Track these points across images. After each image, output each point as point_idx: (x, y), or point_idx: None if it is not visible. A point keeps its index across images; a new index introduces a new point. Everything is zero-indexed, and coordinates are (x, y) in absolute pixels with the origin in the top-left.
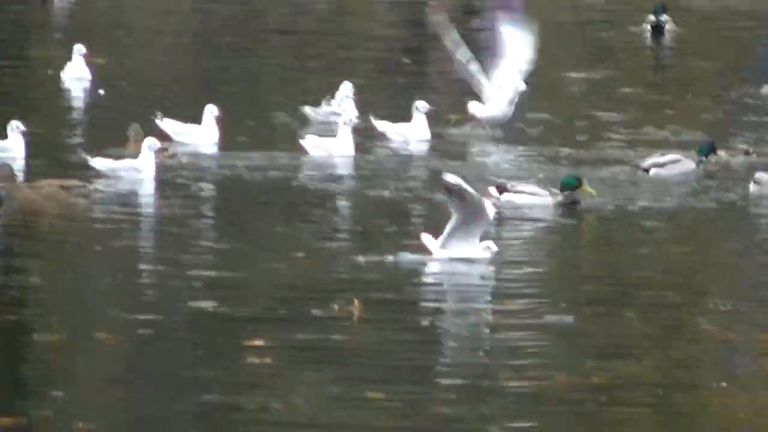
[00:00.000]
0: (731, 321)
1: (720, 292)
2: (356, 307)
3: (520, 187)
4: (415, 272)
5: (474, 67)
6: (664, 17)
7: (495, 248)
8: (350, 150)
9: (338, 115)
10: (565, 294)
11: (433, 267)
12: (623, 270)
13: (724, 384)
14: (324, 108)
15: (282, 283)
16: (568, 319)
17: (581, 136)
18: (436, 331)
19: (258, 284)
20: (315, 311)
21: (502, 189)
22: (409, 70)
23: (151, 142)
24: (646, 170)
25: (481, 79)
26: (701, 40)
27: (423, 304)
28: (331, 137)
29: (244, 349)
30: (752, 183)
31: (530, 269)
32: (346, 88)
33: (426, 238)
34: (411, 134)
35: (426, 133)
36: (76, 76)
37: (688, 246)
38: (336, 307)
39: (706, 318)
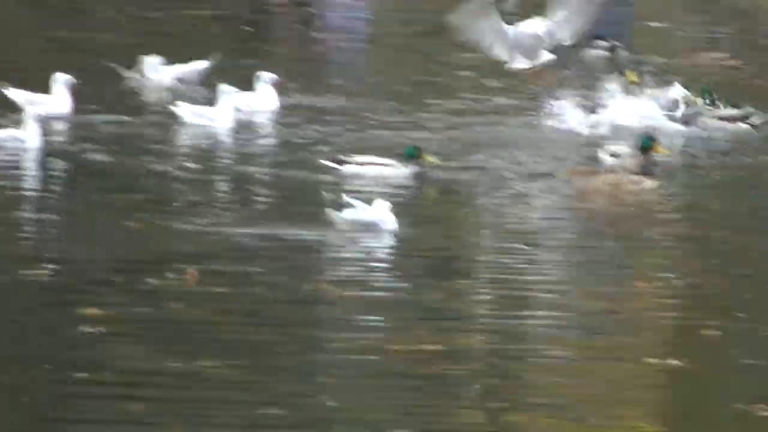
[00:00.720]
0: (563, 288)
1: (555, 261)
2: (191, 277)
3: (362, 158)
4: (252, 245)
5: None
6: None
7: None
8: (229, 120)
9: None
10: (400, 264)
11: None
12: (459, 241)
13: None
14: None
15: (118, 252)
16: (400, 286)
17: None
18: (273, 304)
19: (93, 253)
20: (150, 280)
21: (337, 161)
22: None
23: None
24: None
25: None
26: None
27: (259, 278)
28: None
29: (78, 319)
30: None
31: (370, 242)
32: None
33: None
34: (257, 104)
35: (274, 103)
36: None
37: (529, 214)
38: (171, 276)
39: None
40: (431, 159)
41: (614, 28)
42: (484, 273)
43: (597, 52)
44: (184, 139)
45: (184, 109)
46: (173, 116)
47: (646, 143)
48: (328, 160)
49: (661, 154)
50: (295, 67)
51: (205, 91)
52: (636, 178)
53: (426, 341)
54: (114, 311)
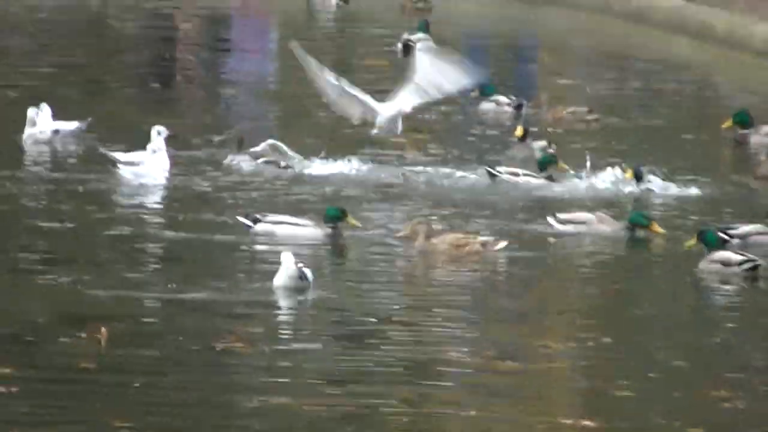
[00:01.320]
0: (475, 349)
1: (468, 320)
2: (103, 335)
3: (277, 217)
4: (158, 305)
5: (348, 85)
6: (417, 35)
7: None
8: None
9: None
10: (309, 323)
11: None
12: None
13: None
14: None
15: (29, 308)
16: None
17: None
18: (180, 364)
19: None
20: (62, 339)
21: (253, 218)
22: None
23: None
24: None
25: (365, 97)
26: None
27: (167, 337)
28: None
29: None
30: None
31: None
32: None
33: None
34: (149, 160)
35: (165, 162)
36: None
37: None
38: (84, 335)
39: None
40: (353, 221)
41: (522, 82)
42: (396, 335)
43: (495, 106)
44: (82, 193)
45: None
46: (58, 169)
47: (640, 220)
48: (242, 216)
49: (656, 233)
50: (201, 119)
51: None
52: (482, 239)
53: (336, 403)
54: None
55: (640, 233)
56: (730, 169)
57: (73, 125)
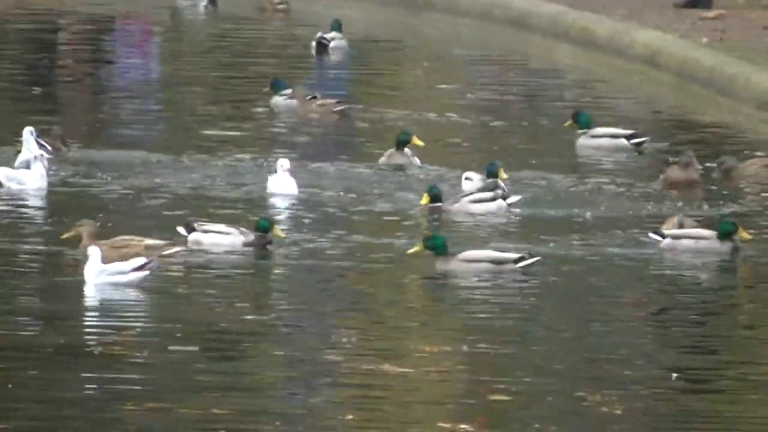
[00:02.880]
0: (355, 353)
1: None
2: None
3: (209, 226)
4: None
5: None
6: (331, 34)
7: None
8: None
9: None
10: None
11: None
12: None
13: None
14: None
15: None
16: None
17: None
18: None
19: None
20: None
21: (190, 227)
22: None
23: None
24: None
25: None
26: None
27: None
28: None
29: None
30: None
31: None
32: None
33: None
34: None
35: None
36: None
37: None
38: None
39: None
40: (279, 233)
41: (335, 83)
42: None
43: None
44: None
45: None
46: None
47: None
48: (182, 226)
49: (743, 238)
50: (87, 124)
51: None
52: (148, 243)
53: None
54: None
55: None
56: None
57: None
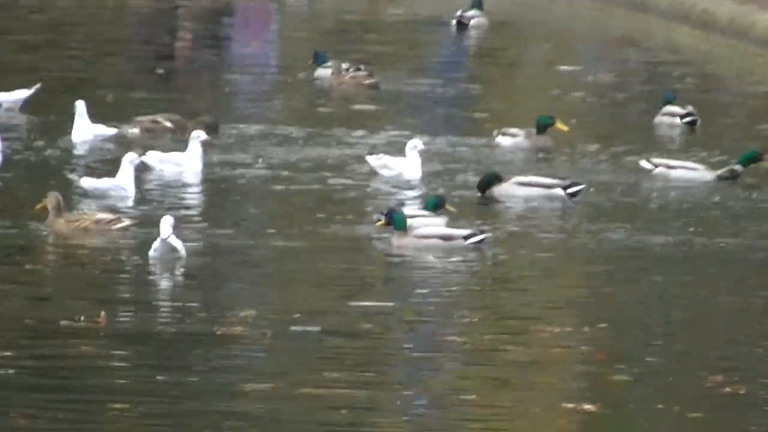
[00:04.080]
0: (473, 338)
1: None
2: (102, 319)
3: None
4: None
5: None
6: (471, 13)
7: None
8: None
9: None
10: None
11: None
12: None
13: None
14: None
15: (29, 294)
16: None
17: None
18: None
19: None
20: (63, 322)
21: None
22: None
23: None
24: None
25: None
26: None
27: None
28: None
29: None
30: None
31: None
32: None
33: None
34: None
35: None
36: None
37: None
38: (83, 318)
39: None
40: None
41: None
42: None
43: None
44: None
45: (152, 157)
46: None
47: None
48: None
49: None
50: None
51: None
52: (98, 217)
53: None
54: None
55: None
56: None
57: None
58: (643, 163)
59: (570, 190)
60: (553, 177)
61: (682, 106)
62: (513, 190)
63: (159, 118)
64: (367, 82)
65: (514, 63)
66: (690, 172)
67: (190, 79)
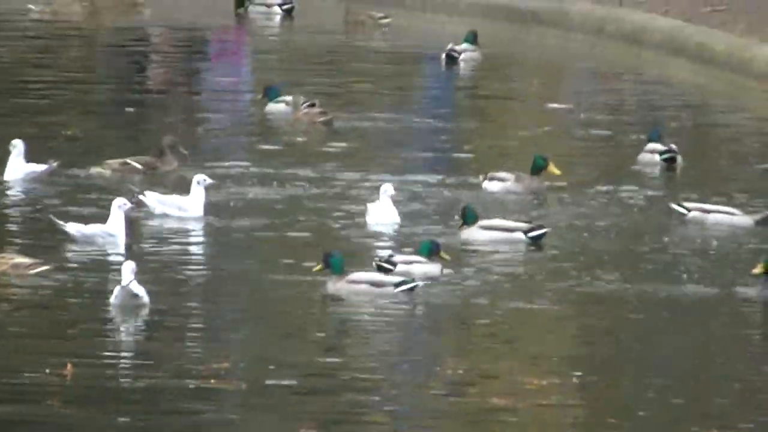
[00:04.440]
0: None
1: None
2: (69, 371)
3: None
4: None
5: None
6: (463, 46)
7: None
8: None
9: None
10: None
11: None
12: None
13: None
14: None
15: None
16: None
17: None
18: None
19: None
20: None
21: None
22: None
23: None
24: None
25: None
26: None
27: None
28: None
29: None
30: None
31: None
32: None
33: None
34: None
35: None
36: None
37: None
38: (47, 370)
39: None
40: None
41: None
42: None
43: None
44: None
45: (150, 198)
46: None
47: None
48: None
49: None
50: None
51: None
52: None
53: None
54: None
55: None
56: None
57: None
58: (675, 207)
59: (531, 234)
60: (518, 220)
61: (665, 143)
62: (476, 234)
63: (129, 160)
64: (320, 119)
65: (505, 98)
66: (727, 216)
67: (161, 117)
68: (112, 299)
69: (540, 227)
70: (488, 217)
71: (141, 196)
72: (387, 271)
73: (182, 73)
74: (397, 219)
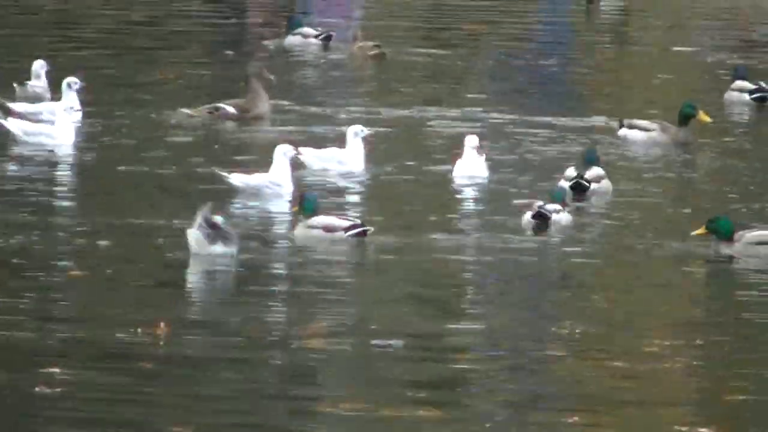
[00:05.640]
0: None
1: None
2: (162, 329)
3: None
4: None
5: None
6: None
7: None
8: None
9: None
10: None
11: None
12: None
13: None
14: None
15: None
16: None
17: None
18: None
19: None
20: (119, 335)
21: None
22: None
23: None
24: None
25: None
26: None
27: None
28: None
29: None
30: None
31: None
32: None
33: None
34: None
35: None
36: None
37: None
38: (140, 330)
39: None
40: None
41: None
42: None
43: (302, 39)
44: None
45: (309, 154)
46: None
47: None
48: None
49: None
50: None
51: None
52: None
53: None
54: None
55: None
56: None
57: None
58: None
59: (351, 232)
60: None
61: (754, 81)
62: (308, 233)
63: (220, 104)
64: (372, 52)
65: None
66: None
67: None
68: (193, 245)
69: (363, 225)
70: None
71: (299, 156)
72: (545, 219)
73: (282, 16)
74: (485, 174)
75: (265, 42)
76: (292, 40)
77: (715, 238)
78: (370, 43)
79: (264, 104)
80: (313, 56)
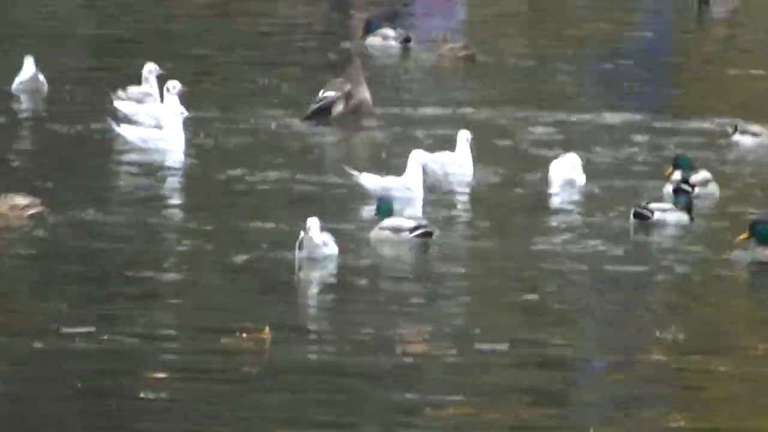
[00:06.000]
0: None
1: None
2: (266, 335)
3: None
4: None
5: None
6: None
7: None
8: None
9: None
10: None
11: None
12: None
13: None
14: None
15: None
16: None
17: None
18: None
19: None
20: (225, 340)
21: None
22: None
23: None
24: None
25: None
26: None
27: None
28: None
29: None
30: None
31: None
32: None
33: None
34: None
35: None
36: None
37: None
38: (245, 335)
39: None
40: None
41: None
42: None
43: (382, 40)
44: None
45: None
46: None
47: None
48: None
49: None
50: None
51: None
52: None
53: None
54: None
55: None
56: None
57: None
58: None
59: (416, 233)
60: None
61: None
62: (380, 234)
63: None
64: (462, 54)
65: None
66: None
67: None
68: (298, 252)
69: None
70: None
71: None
72: (645, 218)
73: (384, 17)
74: (583, 180)
75: (344, 44)
76: (371, 41)
77: None
78: (460, 44)
79: (365, 91)
80: (397, 58)
